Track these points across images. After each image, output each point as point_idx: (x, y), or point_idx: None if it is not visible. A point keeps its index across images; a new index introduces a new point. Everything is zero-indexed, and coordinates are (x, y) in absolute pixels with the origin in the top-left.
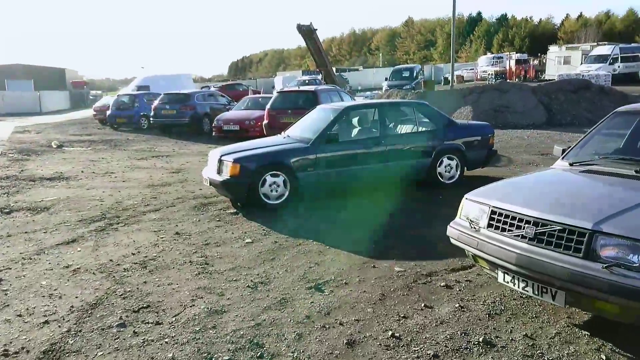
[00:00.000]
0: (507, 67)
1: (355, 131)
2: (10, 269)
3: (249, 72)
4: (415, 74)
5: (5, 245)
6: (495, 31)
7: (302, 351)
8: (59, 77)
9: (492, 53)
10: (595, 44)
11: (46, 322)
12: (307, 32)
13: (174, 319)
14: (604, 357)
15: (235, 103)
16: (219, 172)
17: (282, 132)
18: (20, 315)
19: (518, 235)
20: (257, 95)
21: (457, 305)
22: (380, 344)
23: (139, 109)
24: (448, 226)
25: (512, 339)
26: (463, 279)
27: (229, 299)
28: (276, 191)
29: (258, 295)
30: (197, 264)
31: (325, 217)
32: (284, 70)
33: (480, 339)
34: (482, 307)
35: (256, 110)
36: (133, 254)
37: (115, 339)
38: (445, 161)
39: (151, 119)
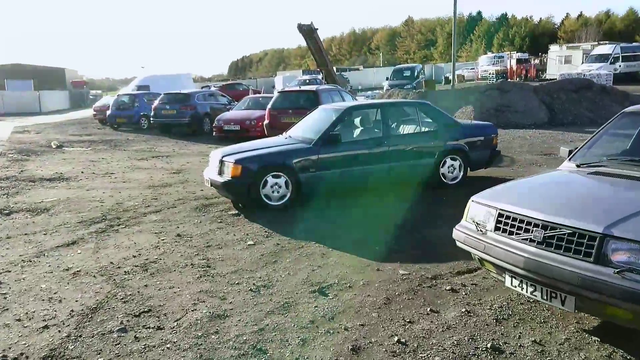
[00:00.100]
0: (508, 67)
1: (357, 131)
2: (10, 271)
3: (249, 72)
4: (416, 74)
5: (4, 248)
6: (495, 30)
7: (307, 357)
8: (59, 76)
9: (493, 52)
10: (596, 43)
11: (46, 326)
12: (308, 31)
13: (175, 323)
14: None
15: (236, 103)
16: (221, 173)
17: (284, 133)
18: (19, 320)
19: (526, 239)
20: (258, 95)
21: (463, 309)
22: (386, 350)
23: (139, 109)
24: (454, 229)
25: (520, 345)
26: (469, 283)
27: (231, 302)
28: (278, 192)
29: (261, 299)
30: (199, 267)
31: (328, 219)
32: (284, 70)
33: (488, 345)
34: (489, 312)
35: (257, 110)
36: (134, 257)
37: (116, 345)
38: (449, 162)
39: (151, 119)
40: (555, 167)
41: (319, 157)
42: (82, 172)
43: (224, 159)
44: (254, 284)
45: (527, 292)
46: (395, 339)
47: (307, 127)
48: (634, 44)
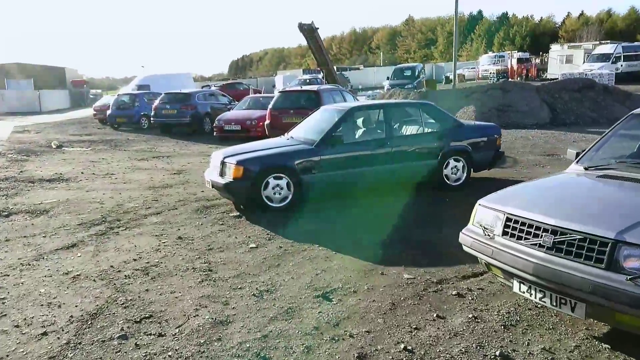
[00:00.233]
0: (509, 66)
1: (360, 132)
2: (8, 275)
3: (249, 71)
4: (417, 73)
5: (3, 251)
6: (496, 30)
7: None
8: (59, 76)
9: (494, 52)
10: (598, 42)
11: (44, 333)
12: (309, 31)
13: (177, 330)
14: None
15: (236, 103)
16: (222, 174)
17: (286, 133)
18: (17, 326)
19: (535, 244)
20: (259, 94)
21: (470, 315)
22: (392, 358)
23: (139, 109)
24: (460, 233)
25: (530, 353)
26: (475, 287)
27: (234, 308)
28: (280, 194)
29: (264, 305)
30: (201, 271)
31: (330, 221)
32: (285, 69)
33: (497, 353)
34: (497, 318)
35: (257, 110)
36: (134, 260)
37: (116, 352)
38: (452, 163)
39: (152, 118)
40: (559, 167)
41: (321, 158)
42: (82, 173)
43: (225, 160)
44: (256, 288)
45: (536, 298)
46: (402, 346)
47: (309, 128)
48: (636, 43)
